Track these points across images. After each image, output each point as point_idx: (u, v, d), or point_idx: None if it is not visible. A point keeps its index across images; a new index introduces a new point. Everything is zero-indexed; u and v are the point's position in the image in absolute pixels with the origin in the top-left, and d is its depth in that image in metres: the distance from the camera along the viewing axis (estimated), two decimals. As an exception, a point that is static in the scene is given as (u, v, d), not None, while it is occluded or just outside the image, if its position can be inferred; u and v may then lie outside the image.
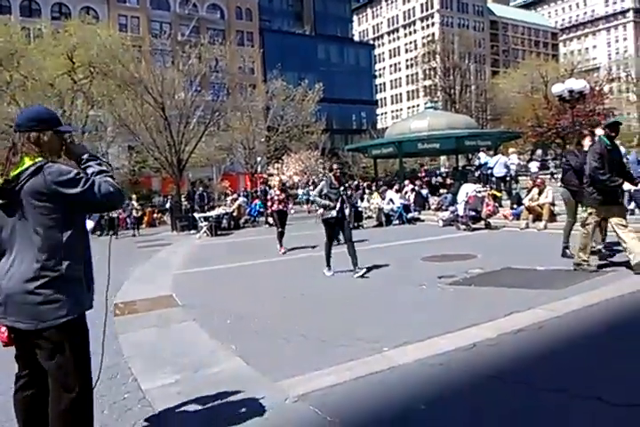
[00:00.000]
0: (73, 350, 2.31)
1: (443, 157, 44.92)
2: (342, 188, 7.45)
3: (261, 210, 21.71)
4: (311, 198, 8.15)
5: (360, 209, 15.80)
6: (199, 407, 3.16)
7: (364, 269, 7.13)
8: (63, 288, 2.26)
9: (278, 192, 10.78)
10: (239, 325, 5.05)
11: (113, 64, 23.40)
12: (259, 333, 4.71)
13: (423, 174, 22.05)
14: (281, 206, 10.74)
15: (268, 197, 11.05)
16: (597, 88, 45.36)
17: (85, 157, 2.49)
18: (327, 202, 7.30)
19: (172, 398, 3.29)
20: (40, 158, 2.29)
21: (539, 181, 12.05)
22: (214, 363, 3.94)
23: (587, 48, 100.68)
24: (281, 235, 10.65)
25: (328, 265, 7.51)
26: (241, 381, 3.55)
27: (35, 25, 31.92)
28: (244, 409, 3.07)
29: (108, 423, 3.01)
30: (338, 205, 7.23)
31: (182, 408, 3.15)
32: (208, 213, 16.52)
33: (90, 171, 2.40)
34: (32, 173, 2.24)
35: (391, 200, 15.87)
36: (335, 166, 7.75)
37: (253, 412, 3.02)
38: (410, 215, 15.80)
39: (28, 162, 2.28)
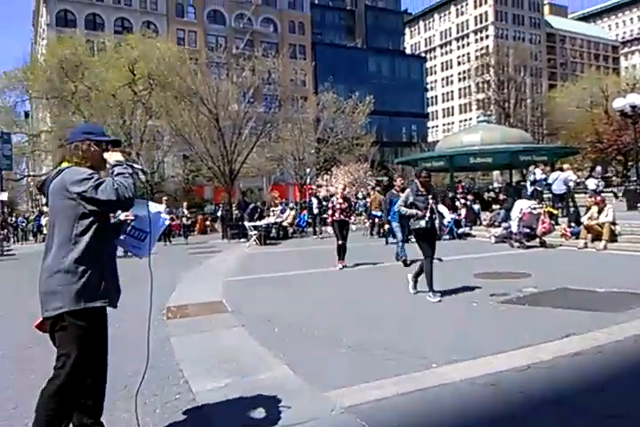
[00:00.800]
0: (68, 341, 2.44)
1: (495, 172, 43.90)
2: (430, 195, 6.60)
3: (309, 221, 21.89)
4: (396, 209, 7.39)
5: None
6: (246, 412, 3.19)
7: (439, 296, 6.33)
8: (63, 282, 2.42)
9: (341, 200, 9.77)
10: (287, 333, 5.08)
11: (171, 76, 24.36)
12: (306, 342, 4.73)
13: (460, 190, 21.47)
14: (342, 216, 9.72)
15: (329, 205, 10.10)
16: (662, 103, 43.15)
17: (112, 162, 2.64)
18: (414, 211, 6.44)
19: (220, 402, 3.35)
20: (72, 164, 2.57)
21: (599, 198, 11.56)
22: (262, 370, 3.97)
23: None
24: (340, 248, 9.68)
25: (431, 289, 6.39)
26: (288, 389, 3.56)
27: (98, 38, 33.74)
28: (290, 417, 3.07)
29: (158, 422, 3.09)
30: (427, 214, 6.39)
31: (230, 412, 3.20)
32: (258, 223, 16.77)
33: (114, 173, 2.56)
34: (55, 175, 2.54)
35: (441, 214, 15.61)
36: (423, 173, 6.76)
37: (299, 420, 3.02)
38: (460, 230, 15.50)
39: (62, 166, 2.59)
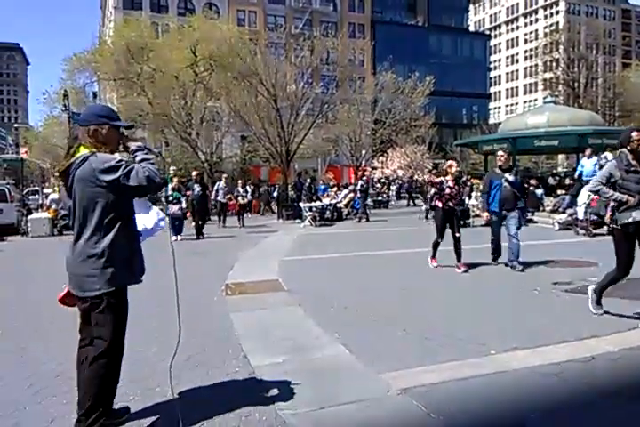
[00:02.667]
0: (107, 317, 2.63)
1: (561, 156, 41.88)
2: None
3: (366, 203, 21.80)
4: (590, 188, 4.90)
5: (468, 207, 15.23)
6: (303, 388, 3.26)
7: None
8: (99, 265, 2.58)
9: (451, 184, 7.47)
10: (342, 314, 5.13)
11: (231, 57, 24.56)
12: (361, 324, 4.75)
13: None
14: (451, 204, 7.44)
15: (433, 188, 7.94)
16: None
17: (134, 147, 2.74)
18: (623, 195, 4.55)
19: (278, 376, 3.45)
20: (92, 149, 2.60)
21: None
22: (319, 348, 4.05)
23: None
24: (436, 245, 7.71)
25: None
26: (344, 368, 3.62)
27: (163, 20, 34.43)
28: (346, 395, 3.13)
29: (220, 392, 3.23)
30: None
31: (288, 386, 3.28)
32: (313, 204, 16.88)
33: (137, 159, 2.66)
34: (80, 162, 2.57)
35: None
36: (635, 134, 4.48)
37: (356, 399, 3.06)
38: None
39: (81, 152, 2.61)
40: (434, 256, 7.76)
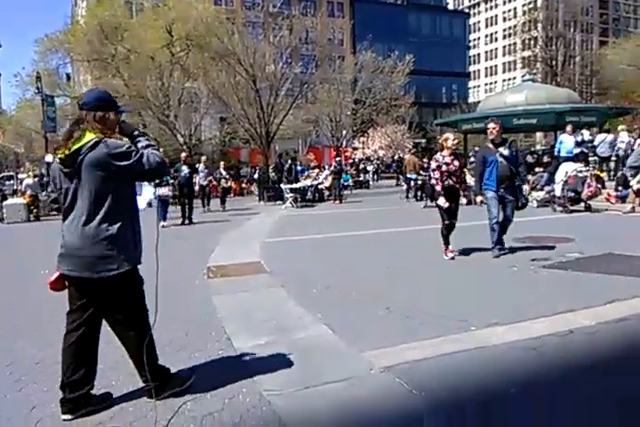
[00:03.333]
0: (126, 296, 2.77)
1: (539, 134, 42.28)
2: None
3: (345, 183, 21.80)
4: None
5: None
6: (287, 369, 3.29)
7: None
8: (115, 246, 2.66)
9: (448, 159, 6.67)
10: (325, 294, 5.15)
11: (208, 37, 24.06)
12: (344, 303, 4.78)
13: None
14: (452, 181, 6.66)
15: (433, 164, 6.82)
16: None
17: (136, 133, 2.88)
18: None
19: (262, 358, 3.46)
20: (99, 134, 2.65)
21: (650, 161, 11.04)
22: (301, 329, 4.06)
23: None
24: (449, 228, 6.77)
25: None
26: (327, 348, 3.64)
27: (136, 0, 33.39)
28: (330, 374, 3.15)
29: (204, 376, 3.21)
30: None
31: (271, 367, 3.29)
32: (294, 185, 16.81)
33: (140, 145, 2.78)
34: (91, 146, 2.60)
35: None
36: None
37: (339, 378, 3.09)
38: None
39: (88, 137, 2.63)
40: (447, 245, 6.78)
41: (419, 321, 4.13)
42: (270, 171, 21.54)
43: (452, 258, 6.66)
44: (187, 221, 12.59)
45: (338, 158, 18.88)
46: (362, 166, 35.25)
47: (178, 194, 12.99)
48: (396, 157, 38.20)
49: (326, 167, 25.11)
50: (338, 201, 17.63)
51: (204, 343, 3.73)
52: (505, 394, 2.86)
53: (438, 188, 6.61)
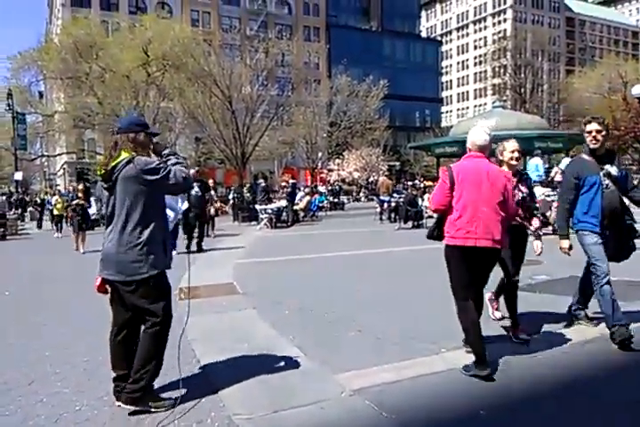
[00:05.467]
0: (153, 297, 3.05)
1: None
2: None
3: (321, 204, 21.90)
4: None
5: (421, 208, 15.56)
6: (258, 392, 3.25)
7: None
8: (145, 251, 2.99)
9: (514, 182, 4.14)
10: (297, 316, 5.13)
11: (185, 58, 24.22)
12: (316, 325, 4.77)
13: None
14: (520, 218, 4.28)
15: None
16: (682, 90, 42.22)
17: (166, 152, 3.25)
18: None
19: (232, 381, 3.40)
20: (133, 153, 3.02)
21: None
22: (272, 351, 4.02)
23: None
24: (508, 290, 4.55)
25: None
26: (298, 370, 3.62)
27: (113, 19, 33.53)
28: (300, 397, 3.13)
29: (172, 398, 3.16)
30: None
31: (242, 391, 3.25)
32: (269, 206, 16.80)
33: (170, 162, 3.12)
34: (125, 163, 2.98)
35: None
36: None
37: (310, 401, 3.07)
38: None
39: (123, 155, 3.01)
40: (496, 300, 4.78)
41: (389, 343, 4.14)
42: (245, 191, 21.52)
43: (501, 318, 4.64)
44: (194, 248, 10.36)
45: (291, 181, 18.79)
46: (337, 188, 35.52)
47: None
48: (370, 180, 38.65)
49: (301, 188, 25.20)
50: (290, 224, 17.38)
51: (172, 366, 3.65)
52: (474, 416, 2.88)
53: None
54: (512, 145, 4.24)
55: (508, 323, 4.39)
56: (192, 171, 11.16)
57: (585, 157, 4.25)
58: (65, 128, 28.31)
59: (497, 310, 4.72)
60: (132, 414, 2.98)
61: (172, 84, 25.75)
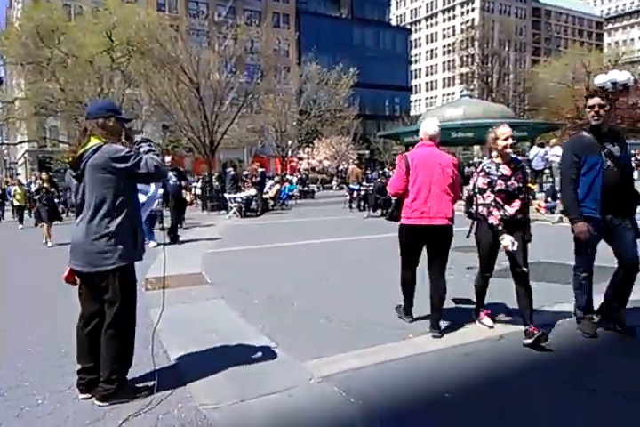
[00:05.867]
0: (120, 288, 2.97)
1: (476, 147, 44.14)
2: None
3: (291, 193, 21.85)
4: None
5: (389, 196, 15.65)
6: (226, 381, 3.25)
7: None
8: (113, 242, 2.90)
9: (506, 171, 3.99)
10: (266, 305, 5.13)
11: (151, 43, 23.58)
12: (285, 314, 4.78)
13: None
14: (511, 210, 3.99)
15: (480, 181, 4.02)
16: (642, 81, 43.62)
17: (138, 139, 3.16)
18: None
19: (200, 371, 3.38)
20: (104, 140, 2.92)
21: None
22: (241, 340, 4.02)
23: (632, 39, 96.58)
24: (518, 277, 3.98)
25: None
26: (267, 359, 3.62)
27: (75, 2, 32.37)
28: (269, 386, 3.14)
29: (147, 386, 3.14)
30: None
31: (209, 381, 3.25)
32: (238, 195, 16.65)
33: (142, 150, 3.04)
34: (94, 150, 2.88)
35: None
36: None
37: (278, 389, 3.09)
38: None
39: (93, 142, 2.91)
40: (481, 307, 4.36)
41: (358, 330, 4.19)
42: (214, 180, 21.26)
43: (492, 327, 4.16)
44: (175, 240, 10.02)
45: (260, 170, 18.55)
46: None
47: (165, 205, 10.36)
48: (340, 168, 38.73)
49: (272, 177, 25.07)
50: (260, 213, 17.16)
51: (139, 357, 3.61)
52: (440, 399, 2.95)
53: (494, 221, 3.87)
54: (504, 131, 3.92)
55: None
56: (168, 158, 10.83)
57: (585, 134, 3.92)
58: (26, 115, 27.35)
59: (487, 316, 4.29)
60: (98, 406, 2.94)
61: (137, 71, 25.08)
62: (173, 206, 10.38)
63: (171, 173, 10.18)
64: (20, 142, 35.14)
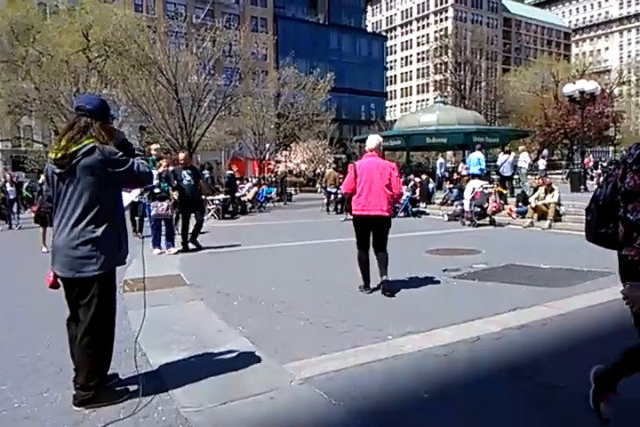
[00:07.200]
0: (98, 296, 2.86)
1: (449, 152, 44.83)
2: None
3: (269, 195, 21.82)
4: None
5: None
6: (206, 384, 3.22)
7: None
8: (98, 247, 2.80)
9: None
10: (246, 306, 5.12)
11: (128, 44, 23.34)
12: (265, 315, 4.78)
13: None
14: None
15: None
16: (608, 90, 45.05)
17: (125, 141, 3.06)
18: None
19: (180, 374, 3.36)
20: (96, 140, 2.78)
21: (547, 180, 12.06)
22: (221, 342, 4.00)
23: (599, 50, 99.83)
24: None
25: None
26: (247, 361, 3.61)
27: (51, 1, 31.78)
28: (250, 388, 3.13)
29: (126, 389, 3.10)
30: None
31: (190, 384, 3.22)
32: (216, 197, 16.54)
33: (128, 153, 2.93)
34: (87, 151, 2.74)
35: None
36: None
37: (259, 391, 3.08)
38: (415, 209, 15.84)
39: (86, 142, 2.77)
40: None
41: (338, 332, 4.22)
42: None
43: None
44: (195, 246, 9.16)
45: (229, 172, 18.43)
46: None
47: (179, 210, 9.30)
48: (317, 171, 38.82)
49: (249, 179, 24.99)
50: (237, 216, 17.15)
51: (118, 361, 3.57)
52: (419, 400, 2.99)
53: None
54: None
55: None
56: (182, 155, 9.92)
57: None
58: (-1, 113, 26.76)
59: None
60: (76, 408, 2.90)
61: (114, 71, 24.78)
62: (191, 209, 9.26)
63: (184, 172, 9.18)
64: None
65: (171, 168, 9.19)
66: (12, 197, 16.03)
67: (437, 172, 22.05)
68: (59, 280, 2.95)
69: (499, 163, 15.91)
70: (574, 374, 3.28)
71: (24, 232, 14.45)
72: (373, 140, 5.78)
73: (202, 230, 9.72)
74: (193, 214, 9.39)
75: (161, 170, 8.55)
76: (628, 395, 2.67)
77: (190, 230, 9.17)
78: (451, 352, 3.68)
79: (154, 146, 10.47)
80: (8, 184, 16.41)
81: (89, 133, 2.80)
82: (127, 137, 3.25)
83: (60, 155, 2.77)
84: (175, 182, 8.91)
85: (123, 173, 2.80)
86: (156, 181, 8.22)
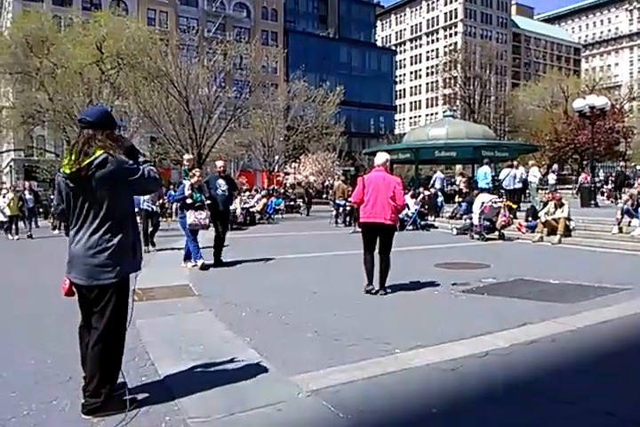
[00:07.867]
0: (114, 303, 2.92)
1: (458, 166, 44.79)
2: None
3: (277, 207, 21.91)
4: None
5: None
6: (213, 395, 3.22)
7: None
8: (114, 256, 2.87)
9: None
10: (254, 318, 5.12)
11: (140, 56, 23.75)
12: (273, 327, 4.77)
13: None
14: None
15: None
16: (618, 106, 44.95)
17: (132, 148, 3.05)
18: None
19: (188, 384, 3.36)
20: (110, 151, 2.83)
21: (557, 195, 12.01)
22: (229, 353, 4.00)
23: (609, 65, 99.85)
24: None
25: None
26: (255, 372, 3.60)
27: (66, 14, 32.49)
28: (257, 399, 3.12)
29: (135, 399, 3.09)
30: None
31: (198, 394, 3.21)
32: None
33: (140, 160, 3.00)
34: (100, 162, 2.78)
35: (406, 205, 15.85)
36: None
37: (266, 403, 3.07)
38: (424, 222, 15.82)
39: (97, 153, 2.81)
40: None
41: (345, 344, 4.20)
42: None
43: None
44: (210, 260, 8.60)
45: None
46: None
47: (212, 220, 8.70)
48: (326, 184, 38.96)
49: (258, 191, 25.11)
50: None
51: (126, 370, 3.58)
52: (427, 414, 2.97)
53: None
54: None
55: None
56: (220, 163, 9.15)
57: None
58: (13, 124, 27.21)
59: None
60: (84, 417, 2.90)
61: (126, 83, 25.17)
62: (222, 221, 8.76)
63: (221, 181, 8.63)
64: (7, 151, 34.76)
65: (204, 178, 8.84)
66: (30, 205, 16.20)
67: (436, 186, 19.93)
68: (73, 288, 3.00)
69: (501, 176, 15.89)
70: (584, 390, 3.25)
71: (37, 241, 14.59)
72: (382, 157, 6.44)
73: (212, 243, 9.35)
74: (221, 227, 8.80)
75: (194, 180, 8.15)
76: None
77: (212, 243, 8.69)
78: (459, 367, 3.66)
79: (186, 156, 10.23)
80: (27, 192, 16.71)
81: (96, 144, 2.83)
82: (138, 147, 3.29)
83: (74, 169, 2.81)
84: (208, 192, 8.42)
85: (135, 180, 2.86)
86: (188, 192, 8.07)
